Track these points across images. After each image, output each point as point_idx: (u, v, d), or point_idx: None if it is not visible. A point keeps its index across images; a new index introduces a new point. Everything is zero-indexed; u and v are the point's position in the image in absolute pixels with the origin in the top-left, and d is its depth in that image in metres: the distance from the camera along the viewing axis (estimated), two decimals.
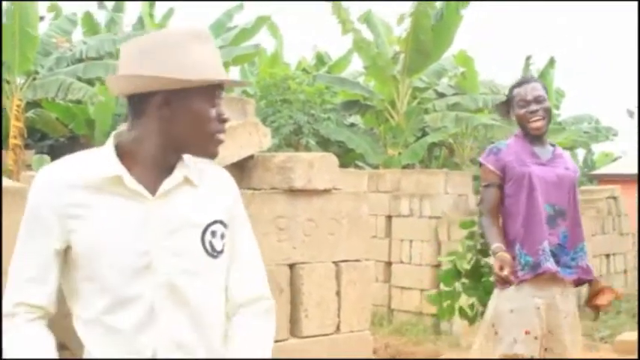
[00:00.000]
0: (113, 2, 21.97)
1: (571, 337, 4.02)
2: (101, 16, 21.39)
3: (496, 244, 3.91)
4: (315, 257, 4.61)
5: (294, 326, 4.55)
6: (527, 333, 3.89)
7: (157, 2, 22.16)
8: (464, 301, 4.53)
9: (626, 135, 57.67)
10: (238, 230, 2.14)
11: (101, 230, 1.92)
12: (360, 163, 20.10)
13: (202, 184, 2.06)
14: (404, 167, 17.91)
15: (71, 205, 1.93)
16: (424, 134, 19.95)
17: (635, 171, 27.02)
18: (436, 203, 11.41)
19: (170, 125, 1.98)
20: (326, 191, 4.69)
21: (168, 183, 1.99)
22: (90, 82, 17.42)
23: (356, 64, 23.92)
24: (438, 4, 17.83)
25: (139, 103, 2.00)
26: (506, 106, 4.23)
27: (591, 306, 4.21)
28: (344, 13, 18.09)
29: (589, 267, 4.11)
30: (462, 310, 4.47)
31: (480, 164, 4.20)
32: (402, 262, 11.61)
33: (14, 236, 2.01)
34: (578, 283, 4.14)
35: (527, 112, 4.03)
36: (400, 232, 11.66)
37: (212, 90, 2.01)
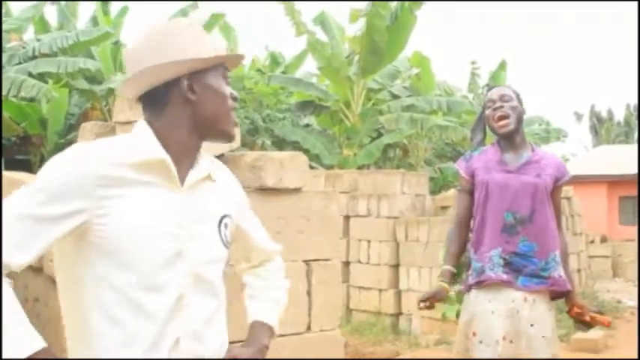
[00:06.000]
0: (65, 2, 21.58)
1: (534, 346, 3.85)
2: (53, 15, 21.04)
3: (444, 267, 4.05)
4: (286, 256, 4.56)
5: None
6: (474, 335, 3.87)
7: (111, 2, 21.89)
8: None
9: (574, 137, 58.69)
10: (249, 217, 2.32)
11: (137, 213, 1.86)
12: (314, 164, 20.07)
13: (218, 180, 2.11)
14: (359, 168, 17.96)
15: (114, 181, 1.85)
16: (379, 135, 20.00)
17: (585, 172, 27.57)
18: (393, 203, 11.48)
19: (196, 108, 2.00)
20: (296, 190, 4.69)
21: (194, 175, 2.01)
22: (42, 79, 17.10)
23: (309, 65, 23.94)
24: (392, 4, 17.89)
25: (163, 93, 1.98)
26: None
27: (579, 321, 4.13)
28: (297, 15, 18.09)
29: (562, 278, 3.96)
30: None
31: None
32: (360, 262, 11.65)
33: None
34: (554, 295, 4.00)
35: (492, 111, 4.00)
36: (358, 232, 11.70)
37: (223, 68, 2.06)
